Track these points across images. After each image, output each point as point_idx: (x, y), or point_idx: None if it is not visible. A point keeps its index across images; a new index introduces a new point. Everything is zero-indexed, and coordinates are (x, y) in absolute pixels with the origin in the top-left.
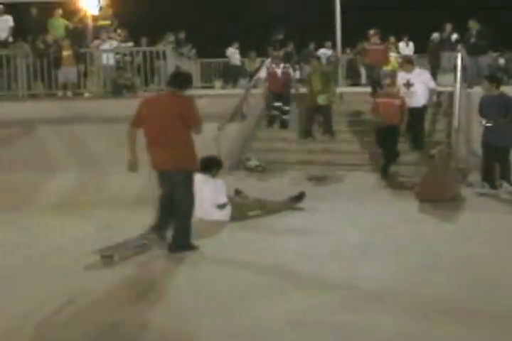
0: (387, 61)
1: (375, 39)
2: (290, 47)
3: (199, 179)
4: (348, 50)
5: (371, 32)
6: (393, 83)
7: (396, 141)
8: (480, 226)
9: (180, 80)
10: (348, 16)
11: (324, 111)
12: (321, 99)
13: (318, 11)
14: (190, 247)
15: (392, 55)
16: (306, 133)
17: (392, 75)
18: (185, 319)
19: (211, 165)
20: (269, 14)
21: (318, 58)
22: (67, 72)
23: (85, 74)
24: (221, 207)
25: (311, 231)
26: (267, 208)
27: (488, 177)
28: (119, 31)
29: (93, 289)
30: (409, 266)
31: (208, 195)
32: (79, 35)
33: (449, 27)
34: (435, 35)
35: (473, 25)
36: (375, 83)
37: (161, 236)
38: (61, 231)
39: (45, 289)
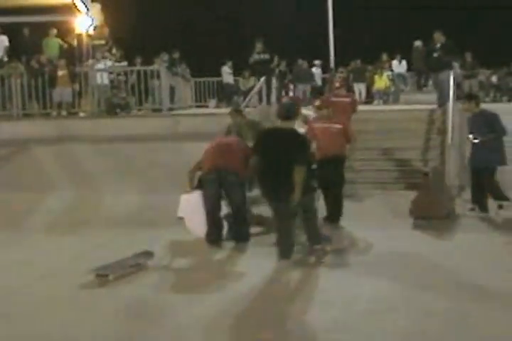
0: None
1: (341, 90)
2: (282, 66)
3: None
4: (339, 69)
5: (337, 84)
6: (324, 105)
7: (342, 171)
8: (473, 242)
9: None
10: (340, 33)
11: None
12: None
13: (311, 29)
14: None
15: (385, 73)
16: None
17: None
18: (184, 336)
19: None
20: (263, 33)
21: (239, 110)
22: (63, 92)
23: (80, 94)
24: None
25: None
26: (265, 224)
27: (479, 200)
28: (113, 51)
29: (88, 308)
30: (405, 283)
31: None
32: (73, 54)
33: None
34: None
35: (439, 38)
36: None
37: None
38: (56, 251)
39: (41, 308)
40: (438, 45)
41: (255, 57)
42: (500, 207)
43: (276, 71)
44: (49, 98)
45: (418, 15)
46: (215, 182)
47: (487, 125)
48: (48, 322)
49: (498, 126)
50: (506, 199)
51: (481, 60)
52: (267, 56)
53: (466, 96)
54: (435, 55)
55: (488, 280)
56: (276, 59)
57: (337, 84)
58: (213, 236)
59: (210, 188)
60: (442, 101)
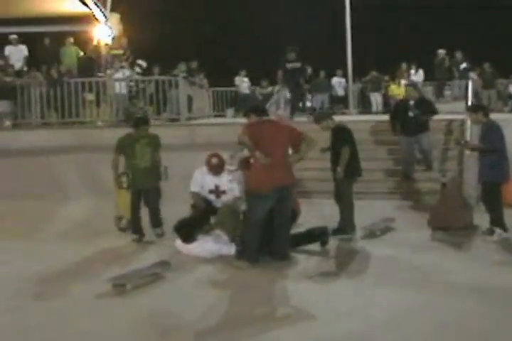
0: None
1: None
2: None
3: None
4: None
5: None
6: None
7: None
8: (492, 253)
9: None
10: (358, 43)
11: (151, 195)
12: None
13: (329, 39)
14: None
15: (403, 82)
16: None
17: None
18: None
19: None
20: (281, 43)
21: (144, 121)
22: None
23: (98, 103)
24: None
25: (324, 257)
26: None
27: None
28: (130, 59)
29: (105, 318)
30: (423, 294)
31: None
32: (91, 64)
33: (459, 55)
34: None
35: (411, 95)
36: None
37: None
38: (73, 260)
39: (58, 318)
40: (411, 102)
41: (287, 65)
42: (491, 231)
43: (301, 80)
44: (67, 107)
45: (435, 24)
46: (274, 198)
47: (483, 136)
48: (65, 332)
49: (488, 139)
50: (503, 227)
51: (500, 69)
52: (298, 64)
53: (471, 108)
54: (410, 113)
55: (509, 290)
56: (309, 70)
57: None
58: (257, 255)
59: (267, 204)
60: (429, 163)
